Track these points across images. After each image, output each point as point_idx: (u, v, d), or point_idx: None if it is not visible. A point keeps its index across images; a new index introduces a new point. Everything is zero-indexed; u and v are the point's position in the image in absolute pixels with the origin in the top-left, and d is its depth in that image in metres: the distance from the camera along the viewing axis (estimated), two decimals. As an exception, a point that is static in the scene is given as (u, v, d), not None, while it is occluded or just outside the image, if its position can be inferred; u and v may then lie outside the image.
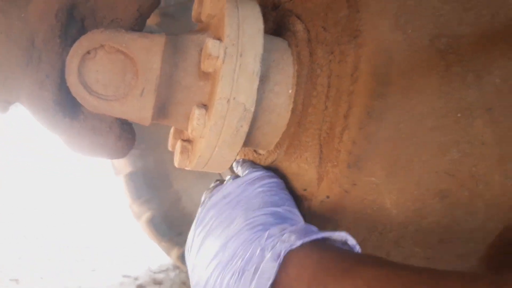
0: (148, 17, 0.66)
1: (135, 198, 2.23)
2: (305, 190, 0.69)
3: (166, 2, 2.20)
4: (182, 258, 2.31)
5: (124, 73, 0.57)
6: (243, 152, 0.90)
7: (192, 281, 0.67)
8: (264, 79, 0.68)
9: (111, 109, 0.58)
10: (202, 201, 0.79)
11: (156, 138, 2.10)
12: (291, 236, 0.55)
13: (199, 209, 0.75)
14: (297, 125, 0.70)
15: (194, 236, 0.70)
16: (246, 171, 0.75)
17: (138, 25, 0.65)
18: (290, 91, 0.70)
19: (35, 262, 2.64)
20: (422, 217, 0.63)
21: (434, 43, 0.57)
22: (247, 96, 0.62)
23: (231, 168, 0.87)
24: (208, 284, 0.61)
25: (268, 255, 0.54)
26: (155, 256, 2.70)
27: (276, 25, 0.80)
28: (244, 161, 0.84)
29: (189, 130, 0.63)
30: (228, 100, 0.61)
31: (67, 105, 0.61)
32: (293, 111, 0.70)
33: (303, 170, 0.69)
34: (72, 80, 0.55)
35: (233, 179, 0.74)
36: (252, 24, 0.63)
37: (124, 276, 2.56)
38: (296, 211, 0.67)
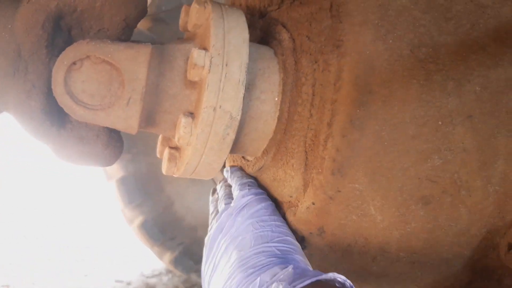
0: (134, 26, 0.67)
1: (127, 203, 2.23)
2: (291, 196, 0.70)
3: (157, 8, 2.20)
4: (174, 262, 2.32)
5: (110, 83, 0.58)
6: (232, 158, 0.91)
7: None
8: (250, 87, 0.69)
9: (97, 119, 0.59)
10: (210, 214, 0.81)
11: (148, 142, 2.11)
12: (279, 286, 0.55)
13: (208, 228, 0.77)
14: (283, 132, 0.71)
15: (205, 271, 0.71)
16: (236, 191, 0.76)
17: (124, 35, 0.66)
18: (276, 98, 0.71)
19: (26, 267, 2.63)
20: (406, 223, 0.64)
21: (415, 53, 0.58)
22: (233, 104, 0.63)
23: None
24: None
25: None
26: (148, 261, 2.70)
27: (263, 33, 0.81)
28: (234, 170, 0.84)
29: (176, 138, 0.64)
30: (214, 109, 0.62)
31: (54, 114, 0.62)
32: (279, 118, 0.71)
33: (290, 176, 0.70)
34: (58, 90, 0.56)
35: (225, 204, 0.75)
36: (238, 34, 0.64)
37: (117, 281, 2.56)
38: (289, 239, 0.66)
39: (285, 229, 0.68)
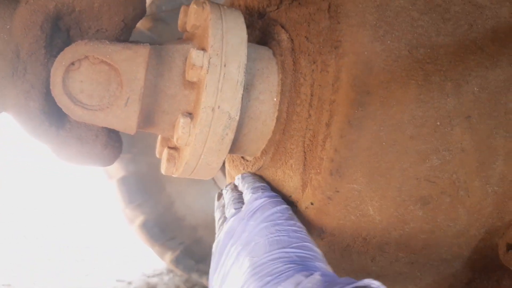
0: (133, 27, 0.67)
1: (128, 203, 2.23)
2: (290, 196, 0.70)
3: (157, 8, 2.20)
4: (175, 262, 2.32)
5: (109, 83, 0.58)
6: (231, 158, 0.91)
7: None
8: (249, 87, 0.69)
9: (96, 119, 0.59)
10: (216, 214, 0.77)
11: (149, 142, 2.11)
12: None
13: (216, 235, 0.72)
14: (282, 133, 0.71)
15: (214, 281, 0.65)
16: (248, 195, 0.70)
17: (123, 35, 0.66)
18: (275, 99, 0.71)
19: (27, 266, 2.63)
20: (405, 223, 0.64)
21: (413, 53, 0.58)
22: (231, 104, 0.63)
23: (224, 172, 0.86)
24: None
25: None
26: (149, 260, 2.70)
27: (262, 34, 0.81)
28: (246, 176, 0.79)
29: (175, 139, 0.64)
30: (213, 109, 0.62)
31: (53, 115, 0.62)
32: (278, 118, 0.71)
33: (288, 176, 0.70)
34: (56, 91, 0.56)
35: (235, 208, 0.70)
36: (236, 34, 0.64)
37: (118, 280, 2.56)
38: (308, 245, 0.60)
39: (304, 234, 0.61)
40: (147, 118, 0.64)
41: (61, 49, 0.61)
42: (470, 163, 0.61)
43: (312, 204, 0.65)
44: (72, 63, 0.56)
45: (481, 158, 0.61)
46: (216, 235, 0.71)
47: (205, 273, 2.31)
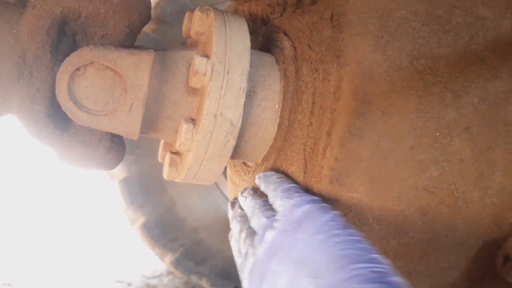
0: (138, 33, 0.68)
1: (130, 204, 2.24)
2: (290, 203, 0.70)
3: (162, 10, 2.22)
4: (175, 263, 2.32)
5: (113, 89, 0.59)
6: (232, 163, 0.92)
7: None
8: (251, 94, 0.69)
9: (100, 124, 0.60)
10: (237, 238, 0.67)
11: (151, 144, 2.12)
12: None
13: (240, 261, 0.64)
14: (283, 140, 0.71)
15: None
16: (281, 200, 0.62)
17: (128, 41, 0.67)
18: (277, 106, 0.71)
19: (28, 266, 2.64)
20: (403, 232, 0.65)
21: (414, 64, 0.59)
22: (234, 111, 0.64)
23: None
24: None
25: None
26: (149, 262, 2.71)
27: (265, 40, 0.82)
28: (269, 175, 0.69)
29: (177, 144, 0.65)
30: (215, 116, 0.63)
31: (58, 118, 0.63)
32: (279, 125, 0.71)
33: (289, 183, 0.70)
34: (62, 96, 0.57)
35: (266, 217, 0.61)
36: (239, 42, 0.65)
37: (118, 281, 2.57)
38: (376, 257, 0.50)
39: (368, 245, 0.52)
40: (150, 123, 0.65)
41: (67, 54, 0.62)
42: (469, 174, 0.61)
43: (312, 211, 0.65)
44: (78, 69, 0.57)
45: (480, 169, 0.61)
46: (244, 251, 0.63)
47: (205, 275, 2.32)
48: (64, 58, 0.61)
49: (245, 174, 0.83)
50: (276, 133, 0.72)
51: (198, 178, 0.70)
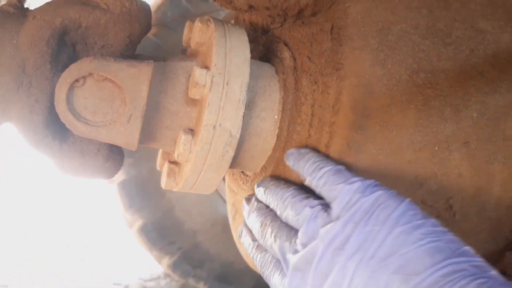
0: (138, 43, 0.68)
1: (128, 207, 2.24)
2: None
3: (163, 14, 2.22)
4: (172, 266, 2.32)
5: (112, 100, 0.59)
6: (231, 171, 0.92)
7: None
8: (251, 105, 0.69)
9: (98, 135, 0.60)
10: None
11: (150, 148, 2.12)
12: None
13: (259, 256, 0.61)
14: (282, 150, 0.71)
15: None
16: (330, 185, 0.54)
17: (128, 50, 0.67)
18: (276, 116, 0.71)
19: (24, 269, 2.64)
20: None
21: (413, 78, 0.59)
22: (233, 123, 0.64)
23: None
24: None
25: None
26: (146, 264, 2.70)
27: (266, 49, 0.82)
28: (305, 152, 0.61)
29: (176, 155, 0.65)
30: (214, 127, 0.63)
31: (56, 128, 0.63)
32: (278, 136, 0.71)
33: (287, 194, 0.70)
34: (60, 108, 0.57)
35: (311, 207, 0.54)
36: (239, 53, 0.65)
37: (115, 283, 2.56)
38: (468, 249, 0.46)
39: (454, 235, 0.48)
40: (149, 134, 0.65)
41: (67, 64, 0.62)
42: (467, 189, 0.61)
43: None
44: (77, 80, 0.57)
45: (479, 184, 0.61)
46: (276, 246, 0.57)
47: (202, 278, 2.32)
48: (63, 68, 0.61)
49: (243, 183, 0.83)
50: (275, 144, 0.72)
51: (196, 188, 0.70)
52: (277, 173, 0.72)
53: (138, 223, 2.26)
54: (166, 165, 0.72)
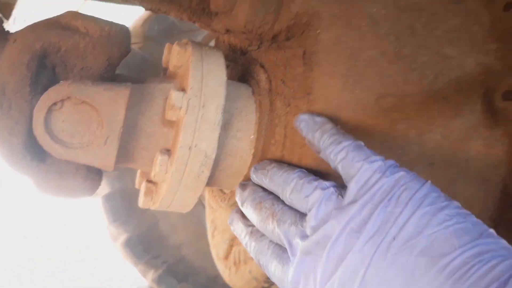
0: (117, 65, 0.69)
1: (112, 220, 2.24)
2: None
3: (150, 28, 2.25)
4: (157, 280, 2.32)
5: (90, 123, 0.61)
6: (210, 189, 0.94)
7: None
8: (227, 125, 0.72)
9: (76, 156, 0.61)
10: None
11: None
12: None
13: (253, 243, 0.59)
14: (258, 169, 0.73)
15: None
16: (352, 161, 0.52)
17: (107, 72, 0.68)
18: (252, 136, 0.74)
19: (27, 266, 2.61)
20: None
21: (380, 102, 0.62)
22: (208, 144, 0.66)
23: None
24: None
25: None
26: (131, 279, 2.69)
27: (244, 70, 0.84)
28: (323, 121, 0.58)
29: (152, 175, 0.67)
30: (190, 148, 0.65)
31: (35, 150, 0.64)
32: (254, 155, 0.74)
33: (263, 212, 0.72)
34: (38, 130, 0.59)
35: (322, 190, 0.52)
36: (216, 76, 0.67)
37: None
38: (493, 232, 0.44)
39: (477, 218, 0.46)
40: (126, 154, 0.67)
41: (46, 86, 0.63)
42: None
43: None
44: (55, 103, 0.58)
45: None
46: (280, 231, 0.54)
47: (187, 292, 2.31)
48: (43, 90, 0.63)
49: (221, 201, 0.85)
50: (251, 163, 0.74)
51: (172, 206, 0.72)
52: (253, 191, 0.74)
53: (123, 236, 2.26)
54: (144, 184, 0.73)
